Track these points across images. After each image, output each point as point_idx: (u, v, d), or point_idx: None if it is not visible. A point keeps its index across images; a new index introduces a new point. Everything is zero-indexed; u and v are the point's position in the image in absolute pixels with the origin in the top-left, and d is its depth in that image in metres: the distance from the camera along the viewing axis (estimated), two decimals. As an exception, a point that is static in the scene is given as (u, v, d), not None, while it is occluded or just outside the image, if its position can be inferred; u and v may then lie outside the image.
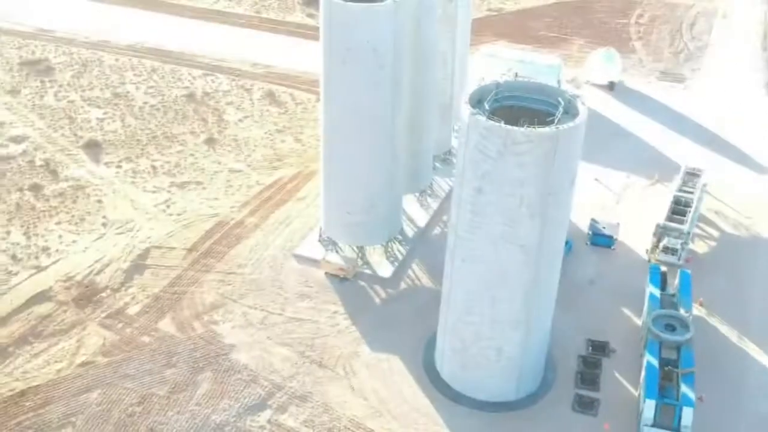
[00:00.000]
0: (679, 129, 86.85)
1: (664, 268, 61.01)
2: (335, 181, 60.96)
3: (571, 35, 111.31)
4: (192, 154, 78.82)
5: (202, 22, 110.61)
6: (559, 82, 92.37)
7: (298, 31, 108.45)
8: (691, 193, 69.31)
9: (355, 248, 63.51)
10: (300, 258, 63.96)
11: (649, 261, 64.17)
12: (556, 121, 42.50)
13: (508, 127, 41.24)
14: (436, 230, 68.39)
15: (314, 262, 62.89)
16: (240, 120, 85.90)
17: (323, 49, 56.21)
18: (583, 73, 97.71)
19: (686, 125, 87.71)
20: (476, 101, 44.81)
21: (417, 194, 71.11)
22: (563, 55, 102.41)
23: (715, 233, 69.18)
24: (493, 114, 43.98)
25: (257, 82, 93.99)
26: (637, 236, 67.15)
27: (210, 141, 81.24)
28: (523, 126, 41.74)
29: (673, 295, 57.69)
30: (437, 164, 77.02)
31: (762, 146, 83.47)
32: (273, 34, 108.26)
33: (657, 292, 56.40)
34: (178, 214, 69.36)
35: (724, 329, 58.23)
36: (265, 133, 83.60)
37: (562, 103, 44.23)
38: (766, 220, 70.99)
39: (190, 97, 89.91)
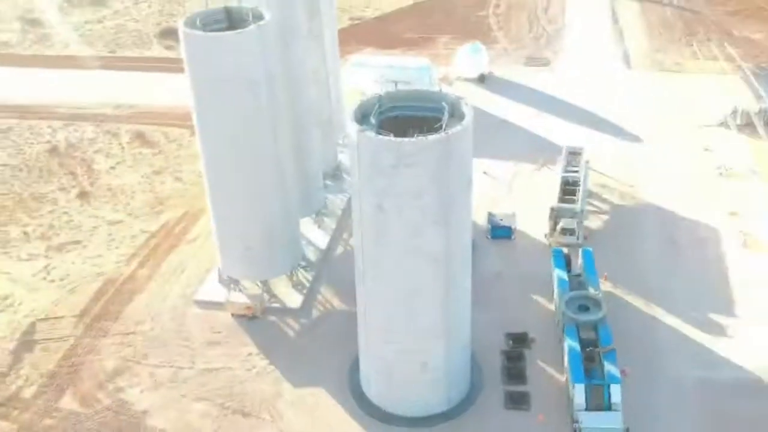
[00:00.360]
0: (552, 111, 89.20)
1: (566, 250, 62.15)
2: (227, 218, 58.17)
3: (434, 34, 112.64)
4: (65, 212, 73.61)
5: (54, 70, 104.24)
6: (431, 81, 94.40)
7: (158, 65, 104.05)
8: (576, 172, 71.06)
9: (258, 283, 60.93)
10: (202, 303, 60.68)
11: (549, 245, 65.16)
12: (443, 126, 41.87)
13: (398, 139, 40.20)
14: (339, 249, 66.78)
15: (218, 305, 59.81)
16: (112, 167, 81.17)
17: (191, 83, 53.40)
18: (453, 69, 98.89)
19: (558, 106, 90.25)
20: (361, 116, 43.58)
21: (313, 216, 69.27)
22: (431, 55, 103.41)
23: (605, 206, 71.24)
24: (381, 127, 42.91)
25: (124, 125, 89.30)
26: (534, 222, 68.07)
27: (83, 195, 76.22)
28: (412, 136, 40.86)
29: (580, 275, 58.73)
30: (327, 181, 75.50)
31: (630, 115, 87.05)
32: (132, 72, 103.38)
33: (564, 275, 57.20)
34: (61, 280, 64.38)
35: (631, 298, 59.74)
36: (142, 176, 79.32)
37: (447, 107, 43.72)
38: (646, 184, 73.84)
39: (54, 151, 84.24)
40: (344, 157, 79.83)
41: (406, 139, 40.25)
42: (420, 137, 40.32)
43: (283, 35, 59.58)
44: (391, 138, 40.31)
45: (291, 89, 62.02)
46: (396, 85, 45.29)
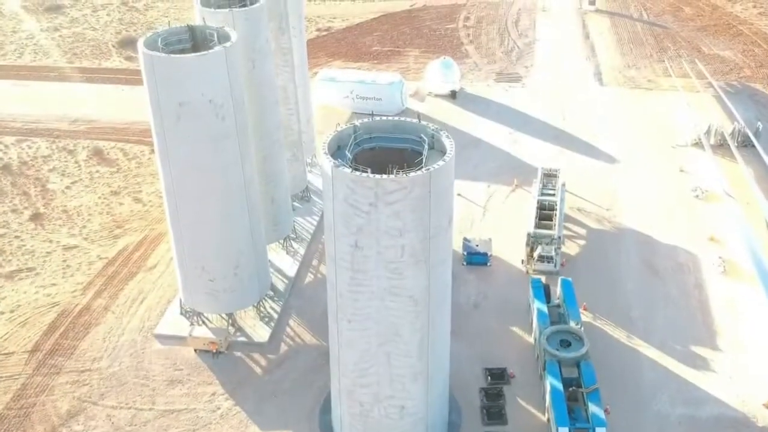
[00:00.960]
0: (525, 129, 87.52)
1: (544, 278, 60.19)
2: (189, 247, 54.83)
3: (404, 47, 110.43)
4: (17, 236, 69.45)
5: (7, 81, 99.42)
6: (402, 98, 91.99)
7: (118, 77, 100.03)
8: (553, 195, 69.20)
9: (223, 316, 57.70)
10: (162, 338, 57.27)
11: (527, 273, 63.16)
12: (423, 160, 39.37)
13: (377, 176, 37.54)
14: (309, 278, 63.84)
15: (180, 339, 56.48)
16: (67, 187, 77.11)
17: (152, 106, 50.02)
18: (424, 84, 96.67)
19: (532, 124, 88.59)
20: (335, 149, 40.87)
21: (281, 241, 66.23)
22: (401, 69, 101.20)
23: (582, 231, 69.49)
24: (356, 161, 40.24)
25: (81, 141, 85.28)
26: (510, 247, 66.05)
27: (36, 217, 72.11)
28: (392, 172, 38.26)
29: (559, 306, 56.77)
30: (296, 203, 72.61)
31: (604, 134, 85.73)
32: (90, 84, 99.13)
33: (544, 308, 55.11)
34: (11, 311, 60.35)
35: (611, 330, 57.92)
36: (99, 197, 75.43)
37: (426, 139, 41.28)
38: (623, 208, 72.33)
39: (5, 169, 79.89)
40: (313, 177, 77.16)
41: (385, 176, 37.60)
42: (400, 174, 37.73)
43: (251, 54, 56.67)
44: (369, 175, 37.65)
45: (258, 109, 59.11)
46: (372, 115, 42.65)
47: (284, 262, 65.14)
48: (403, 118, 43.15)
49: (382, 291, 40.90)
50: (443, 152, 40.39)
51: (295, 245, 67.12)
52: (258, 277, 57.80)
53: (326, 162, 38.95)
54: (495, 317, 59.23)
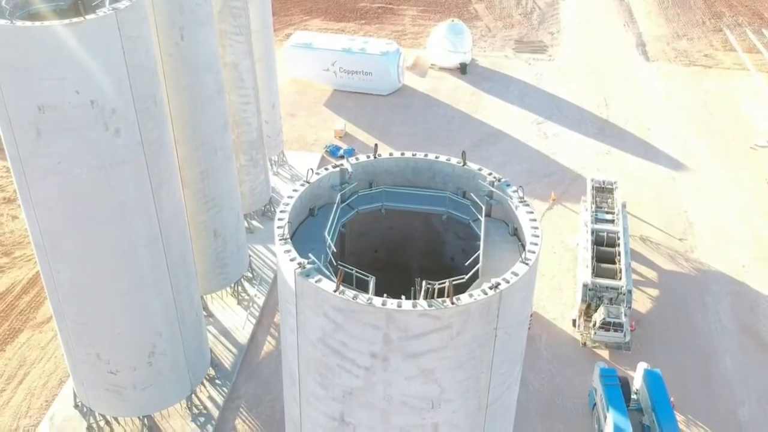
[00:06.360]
0: (558, 118, 67.75)
1: (608, 355, 41.46)
2: (74, 328, 34.80)
3: (398, 4, 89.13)
4: None
5: None
6: (399, 72, 71.50)
7: None
8: (612, 221, 49.94)
9: (137, 419, 38.17)
10: (44, 449, 37.81)
11: (583, 344, 44.14)
12: (479, 258, 19.80)
13: (388, 304, 17.69)
14: (267, 345, 44.26)
15: (68, 455, 37.03)
16: (-58, 192, 56.30)
17: (-1, 110, 29.42)
18: (425, 54, 76.16)
19: (565, 111, 68.80)
20: (303, 218, 21.20)
21: (231, 286, 46.50)
22: (395, 33, 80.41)
23: (650, 273, 50.34)
24: (346, 249, 20.59)
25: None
26: (553, 298, 47.03)
27: None
28: (420, 288, 18.72)
29: (642, 412, 38.04)
30: (255, 223, 52.80)
31: (659, 129, 66.23)
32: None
33: (626, 424, 35.97)
34: None
35: (713, 442, 39.35)
36: (-16, 208, 54.84)
37: (476, 199, 21.78)
38: (702, 238, 53.31)
39: None
40: (279, 183, 57.37)
41: (404, 306, 17.79)
42: (436, 301, 17.97)
43: (176, 19, 35.99)
44: (372, 300, 17.78)
45: (190, 104, 38.71)
46: (348, 163, 22.57)
47: (233, 318, 45.47)
48: (434, 156, 23.18)
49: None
50: (509, 225, 21.01)
51: (250, 291, 47.40)
52: (188, 363, 37.94)
53: (284, 258, 19.05)
54: (537, 420, 40.15)
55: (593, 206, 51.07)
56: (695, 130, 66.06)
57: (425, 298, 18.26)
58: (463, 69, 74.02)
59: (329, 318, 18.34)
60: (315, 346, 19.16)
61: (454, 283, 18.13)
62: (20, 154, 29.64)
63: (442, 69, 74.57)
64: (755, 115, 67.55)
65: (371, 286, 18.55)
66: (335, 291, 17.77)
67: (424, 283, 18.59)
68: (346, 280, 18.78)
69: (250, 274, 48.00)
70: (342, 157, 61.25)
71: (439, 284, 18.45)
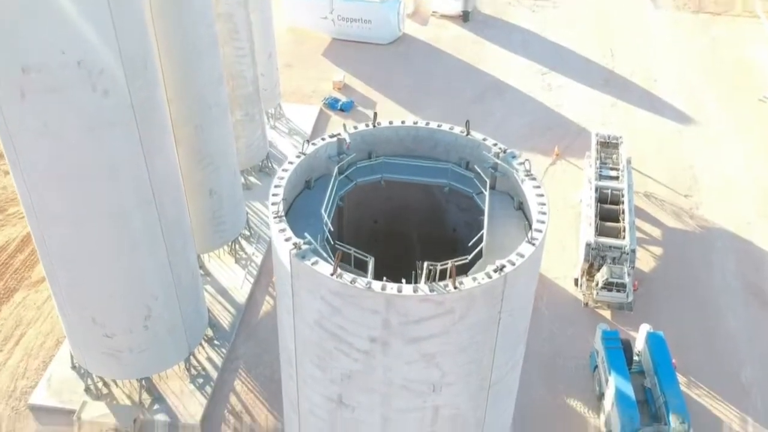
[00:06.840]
0: (562, 68, 65.99)
1: (610, 315, 41.03)
2: (68, 291, 34.17)
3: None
4: None
5: None
6: (399, 19, 69.37)
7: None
8: (616, 177, 48.88)
9: (134, 382, 37.87)
10: (40, 411, 37.55)
11: (585, 304, 43.62)
12: (482, 241, 18.87)
13: (388, 289, 16.84)
14: (266, 305, 43.76)
15: (67, 414, 36.83)
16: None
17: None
18: (427, 1, 73.84)
19: (570, 61, 67.02)
20: (299, 192, 20.27)
21: (228, 245, 45.75)
22: (395, -22, 77.50)
23: (654, 231, 49.60)
24: (342, 215, 19.74)
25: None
26: (555, 256, 46.27)
27: None
28: (420, 269, 17.88)
29: (644, 374, 37.72)
30: (252, 179, 51.79)
31: (666, 80, 64.56)
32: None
33: (628, 388, 35.58)
34: None
35: (715, 405, 39.06)
36: (-24, 162, 53.62)
37: (480, 170, 20.75)
38: (707, 194, 52.39)
39: None
40: (277, 137, 56.25)
41: (407, 289, 16.94)
42: (438, 285, 17.12)
43: (166, -30, 34.34)
44: (371, 284, 16.91)
45: (182, 60, 37.30)
46: (345, 132, 21.41)
47: (231, 277, 44.87)
48: (436, 125, 22.02)
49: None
50: (514, 198, 20.07)
51: (248, 249, 46.69)
52: (185, 325, 37.42)
53: (278, 237, 18.13)
54: (539, 382, 39.81)
55: (597, 162, 49.95)
56: (703, 81, 64.41)
57: (427, 280, 17.40)
58: (465, 17, 71.83)
59: (326, 301, 17.53)
60: (312, 329, 18.41)
61: (457, 263, 17.27)
62: (5, 116, 28.41)
63: (443, 17, 72.38)
64: (764, 65, 65.76)
65: (370, 267, 17.70)
66: (332, 274, 16.91)
67: (425, 265, 17.71)
68: (345, 258, 17.94)
69: (247, 232, 47.21)
70: (342, 110, 60.11)
71: (441, 265, 17.59)
